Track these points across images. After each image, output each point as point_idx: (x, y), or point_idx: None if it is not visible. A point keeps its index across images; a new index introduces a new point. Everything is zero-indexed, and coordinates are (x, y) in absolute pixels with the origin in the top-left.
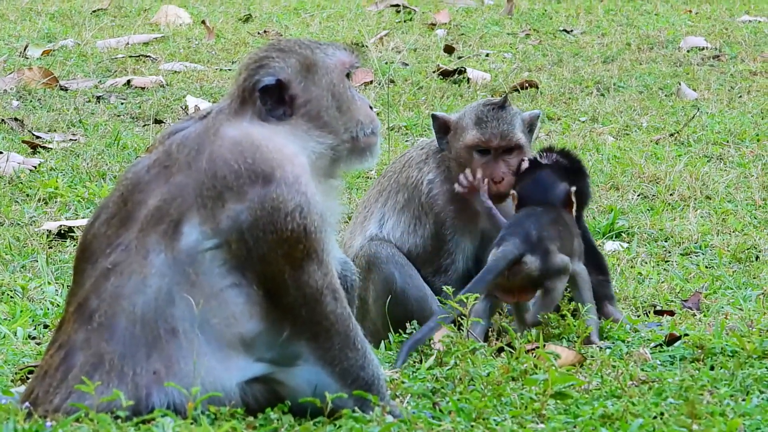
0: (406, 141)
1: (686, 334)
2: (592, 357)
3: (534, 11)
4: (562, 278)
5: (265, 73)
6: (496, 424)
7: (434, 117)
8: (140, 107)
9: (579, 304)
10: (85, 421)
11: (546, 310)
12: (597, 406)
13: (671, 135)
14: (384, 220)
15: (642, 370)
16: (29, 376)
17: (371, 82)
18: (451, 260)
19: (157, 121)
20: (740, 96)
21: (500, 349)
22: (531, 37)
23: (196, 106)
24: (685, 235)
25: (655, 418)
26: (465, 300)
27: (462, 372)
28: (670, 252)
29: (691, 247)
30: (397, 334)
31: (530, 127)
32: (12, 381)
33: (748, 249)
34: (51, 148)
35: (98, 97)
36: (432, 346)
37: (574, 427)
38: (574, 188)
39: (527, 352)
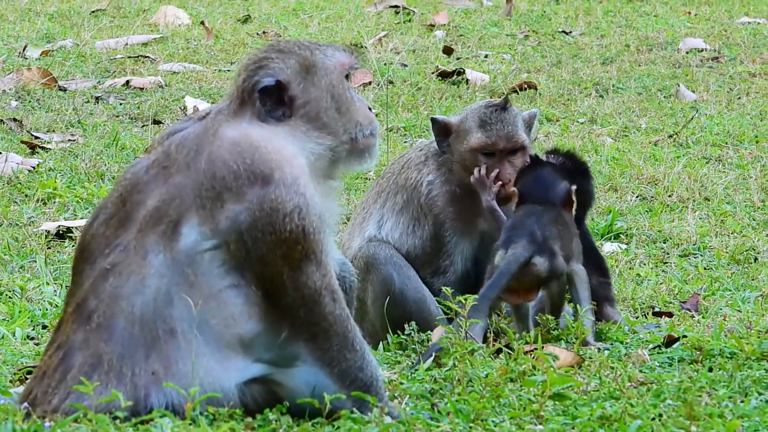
0: (405, 142)
1: (685, 336)
2: (590, 358)
3: (533, 12)
4: (561, 280)
5: (264, 74)
6: (495, 425)
7: (434, 120)
8: (139, 108)
9: (576, 305)
10: (83, 421)
11: (560, 311)
12: (595, 408)
13: (670, 136)
14: (383, 221)
15: (640, 371)
16: (28, 376)
17: (370, 83)
18: (450, 261)
19: (156, 122)
20: (739, 97)
21: (499, 351)
22: (530, 38)
23: (194, 106)
24: (683, 236)
25: (653, 419)
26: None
27: (460, 373)
28: (668, 253)
29: (689, 249)
30: (396, 335)
31: (529, 126)
32: (10, 381)
33: (746, 250)
34: (50, 149)
35: (97, 98)
36: (430, 347)
37: (573, 428)
38: (574, 187)
39: (526, 353)
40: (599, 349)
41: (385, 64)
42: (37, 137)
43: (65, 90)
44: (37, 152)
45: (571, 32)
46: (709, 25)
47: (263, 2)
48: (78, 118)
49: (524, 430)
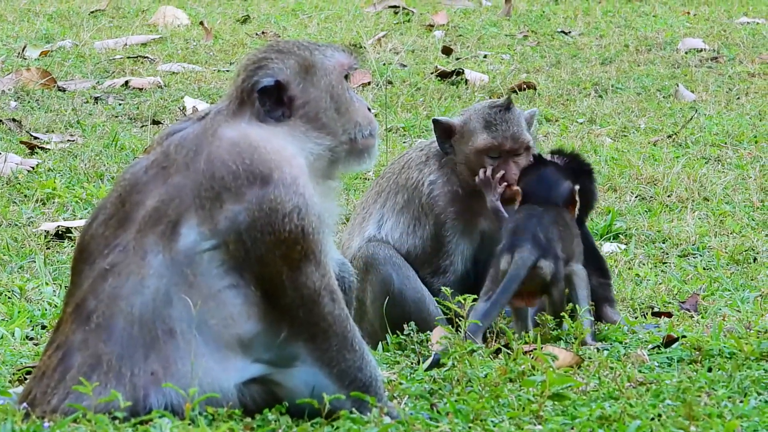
0: (404, 142)
1: (684, 336)
2: (589, 358)
3: (532, 13)
4: (562, 283)
5: (263, 74)
6: (494, 426)
7: (436, 122)
8: (138, 108)
9: (575, 306)
10: (82, 421)
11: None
12: (594, 408)
13: (669, 136)
14: (383, 220)
15: (640, 371)
16: (27, 376)
17: (369, 83)
18: (450, 261)
19: (155, 122)
20: (738, 98)
21: (498, 351)
22: (529, 38)
23: (194, 107)
24: (682, 236)
25: (652, 419)
26: (463, 301)
27: (460, 373)
28: (667, 253)
29: (688, 249)
30: (395, 336)
31: (529, 125)
32: (10, 382)
33: (745, 250)
34: (49, 149)
35: (96, 98)
36: (430, 347)
37: (572, 428)
38: (577, 187)
39: (525, 353)
40: (598, 349)
41: (384, 65)
42: (36, 137)
43: (64, 90)
44: (37, 152)
45: (570, 32)
46: (708, 25)
47: (262, 2)
48: (77, 119)
49: (523, 430)
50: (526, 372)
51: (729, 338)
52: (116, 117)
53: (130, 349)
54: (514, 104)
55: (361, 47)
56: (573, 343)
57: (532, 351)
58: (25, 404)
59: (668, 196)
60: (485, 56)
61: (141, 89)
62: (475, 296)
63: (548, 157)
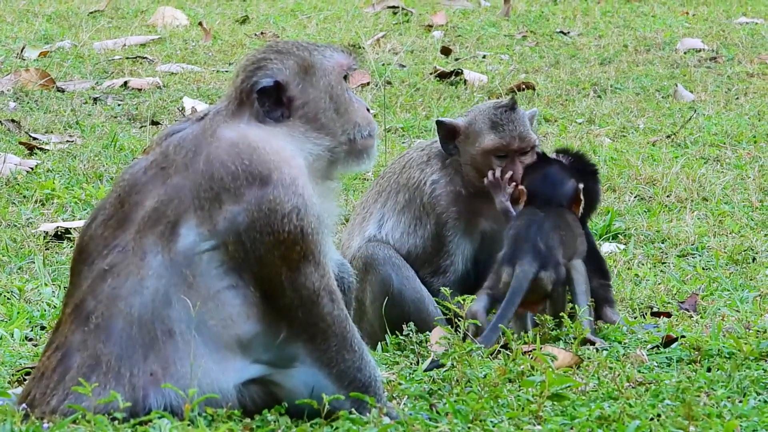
0: (403, 143)
1: (683, 336)
2: (589, 359)
3: (531, 13)
4: (564, 289)
5: (263, 74)
6: (493, 426)
7: (440, 123)
8: (137, 109)
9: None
10: (82, 422)
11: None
12: (594, 408)
13: (668, 137)
14: (383, 220)
15: (639, 371)
16: (26, 377)
17: (368, 83)
18: (450, 261)
19: (154, 123)
20: (737, 98)
21: (497, 351)
22: (528, 38)
23: (193, 107)
24: (681, 236)
25: (651, 419)
26: (462, 302)
27: (459, 373)
28: (666, 254)
29: (687, 249)
30: (394, 336)
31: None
32: (9, 382)
33: (744, 251)
34: (48, 150)
35: (95, 99)
36: (429, 348)
37: (571, 428)
38: (582, 185)
39: (524, 353)
40: (597, 349)
41: (383, 65)
42: (35, 138)
43: (63, 91)
44: (36, 153)
45: (569, 33)
46: (707, 26)
47: (261, 3)
48: (76, 119)
49: (523, 431)
50: (526, 372)
51: (728, 338)
52: (115, 117)
53: (129, 350)
54: (518, 104)
55: (360, 48)
56: (572, 343)
57: (531, 351)
58: (24, 405)
59: (667, 196)
60: (484, 56)
61: (140, 90)
62: (474, 297)
63: (553, 156)
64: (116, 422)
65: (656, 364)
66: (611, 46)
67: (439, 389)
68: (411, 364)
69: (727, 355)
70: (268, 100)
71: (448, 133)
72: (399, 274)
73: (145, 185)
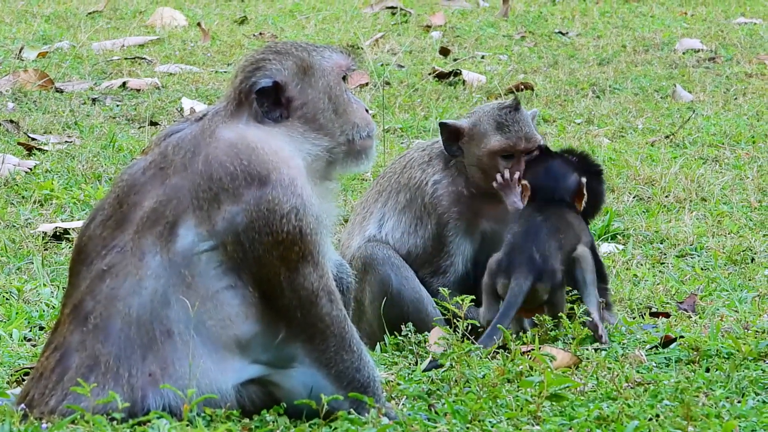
0: (402, 143)
1: (682, 336)
2: (587, 359)
3: (529, 13)
4: (563, 290)
5: (261, 75)
6: (492, 426)
7: (443, 125)
8: (136, 109)
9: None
10: (80, 423)
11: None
12: (592, 408)
13: (667, 137)
14: (384, 220)
15: (637, 372)
16: (25, 377)
17: (367, 84)
18: (450, 262)
19: (153, 123)
20: (736, 98)
21: (496, 351)
22: (526, 39)
23: (191, 108)
24: (680, 237)
25: (650, 420)
26: (461, 302)
27: (458, 374)
28: (665, 254)
29: (686, 249)
30: (393, 336)
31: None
32: (8, 383)
33: (743, 251)
34: (46, 150)
35: (93, 99)
36: (427, 348)
37: (570, 429)
38: (584, 179)
39: (523, 354)
40: (596, 349)
41: (381, 65)
42: (33, 139)
43: (62, 92)
44: (34, 154)
45: (567, 33)
46: (706, 26)
47: (260, 4)
48: (75, 120)
49: (521, 431)
50: (524, 372)
51: (727, 338)
52: (114, 118)
53: (127, 350)
54: (521, 104)
55: (358, 48)
56: (571, 343)
57: (529, 352)
58: (23, 405)
59: (666, 197)
60: (483, 57)
61: (138, 90)
62: (473, 297)
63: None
64: (115, 422)
65: (655, 365)
66: (610, 46)
67: (438, 389)
68: (410, 364)
69: (726, 356)
70: (267, 101)
71: (451, 134)
72: (398, 274)
73: (144, 186)
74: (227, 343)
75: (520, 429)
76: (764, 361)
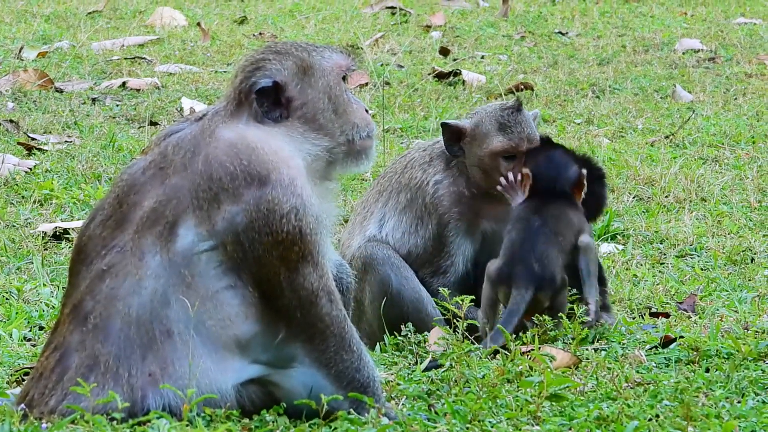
0: (402, 143)
1: (681, 336)
2: (587, 359)
3: (529, 13)
4: (564, 292)
5: (261, 75)
6: (492, 426)
7: (445, 125)
8: (135, 109)
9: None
10: (80, 422)
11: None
12: (592, 408)
13: (666, 137)
14: (384, 220)
15: (637, 372)
16: (25, 377)
17: (366, 84)
18: (450, 262)
19: (153, 123)
20: (735, 98)
21: (495, 351)
22: (526, 39)
23: (191, 108)
24: (680, 237)
25: (650, 420)
26: (460, 302)
27: (457, 374)
28: (665, 254)
29: (686, 250)
30: (393, 336)
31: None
32: (7, 383)
33: (743, 251)
34: (46, 150)
35: (93, 99)
36: (427, 348)
37: (569, 429)
38: (585, 170)
39: (522, 354)
40: (596, 349)
41: (381, 66)
42: (33, 139)
43: (62, 91)
44: (34, 154)
45: (567, 33)
46: (706, 26)
47: (259, 3)
48: (75, 120)
49: (521, 431)
50: (524, 373)
51: (726, 339)
52: (113, 118)
53: (127, 350)
54: (523, 105)
55: (358, 48)
56: (571, 343)
57: (529, 352)
58: (22, 405)
59: (666, 197)
60: (482, 57)
61: (138, 90)
62: (473, 297)
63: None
64: (115, 422)
65: (655, 365)
66: (610, 46)
67: (438, 390)
68: (409, 364)
69: (726, 356)
70: (267, 101)
71: (453, 135)
72: (398, 274)
73: (144, 185)
74: (227, 343)
75: (520, 429)
76: (764, 361)
